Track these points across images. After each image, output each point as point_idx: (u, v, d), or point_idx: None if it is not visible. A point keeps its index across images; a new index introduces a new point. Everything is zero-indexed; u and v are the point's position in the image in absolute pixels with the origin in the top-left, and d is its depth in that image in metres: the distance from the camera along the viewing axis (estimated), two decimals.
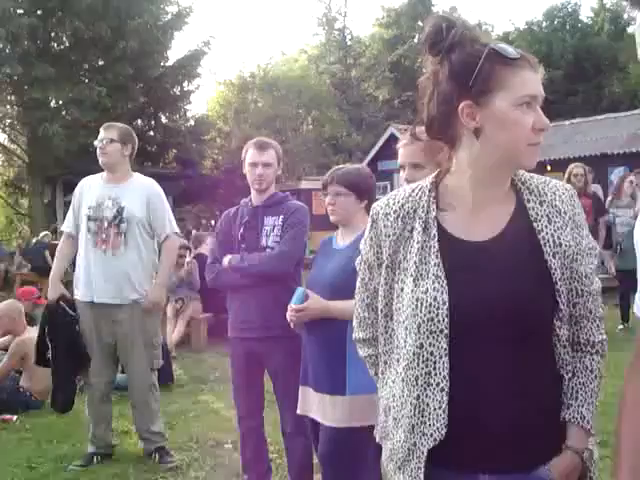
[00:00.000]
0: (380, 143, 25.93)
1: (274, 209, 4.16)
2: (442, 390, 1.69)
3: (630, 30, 39.89)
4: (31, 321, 7.33)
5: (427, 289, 1.69)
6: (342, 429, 3.30)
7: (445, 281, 1.69)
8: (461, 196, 1.77)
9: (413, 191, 1.82)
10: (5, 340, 6.91)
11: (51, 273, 5.23)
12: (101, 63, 22.00)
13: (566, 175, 8.76)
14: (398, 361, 1.79)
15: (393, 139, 24.61)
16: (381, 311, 1.85)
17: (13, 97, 22.51)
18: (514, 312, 1.69)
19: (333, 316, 3.31)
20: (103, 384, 5.08)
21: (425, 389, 1.71)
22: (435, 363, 1.69)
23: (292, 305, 3.41)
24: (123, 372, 5.33)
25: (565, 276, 1.74)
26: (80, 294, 5.02)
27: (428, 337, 1.69)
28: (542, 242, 1.74)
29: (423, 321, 1.69)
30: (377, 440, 2.99)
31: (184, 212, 23.70)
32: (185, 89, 25.16)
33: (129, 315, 4.94)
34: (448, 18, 1.73)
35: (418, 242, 1.74)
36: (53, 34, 21.71)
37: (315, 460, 4.01)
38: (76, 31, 20.10)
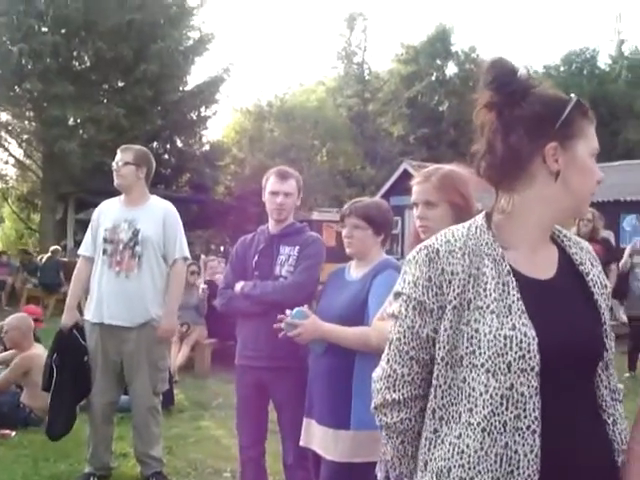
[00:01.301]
0: (393, 178, 25.97)
1: (291, 239, 4.14)
2: (534, 432, 1.60)
3: None
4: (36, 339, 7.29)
5: (514, 325, 1.62)
6: (344, 464, 3.26)
7: (528, 317, 1.65)
8: (522, 235, 1.75)
9: (469, 229, 1.76)
10: (7, 355, 6.88)
11: (67, 298, 5.22)
12: (121, 84, 22.27)
13: (576, 220, 8.74)
14: (471, 411, 1.65)
15: (406, 175, 24.63)
16: (442, 359, 1.69)
17: (32, 113, 22.76)
18: (590, 350, 1.72)
19: (329, 339, 3.30)
20: (106, 404, 5.04)
21: (514, 434, 1.61)
22: (525, 404, 1.61)
23: (289, 319, 3.40)
24: (126, 394, 5.29)
25: (607, 318, 1.78)
26: (90, 315, 5.00)
27: (519, 376, 1.60)
28: (591, 284, 1.78)
29: (514, 359, 1.60)
30: (379, 478, 2.98)
31: (194, 237, 23.76)
32: (202, 114, 25.40)
33: (137, 336, 4.92)
34: (510, 61, 1.76)
35: (493, 278, 1.67)
36: (75, 53, 22.02)
37: None
38: (98, 51, 20.37)
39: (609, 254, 8.99)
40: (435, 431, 1.71)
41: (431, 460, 1.71)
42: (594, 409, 1.75)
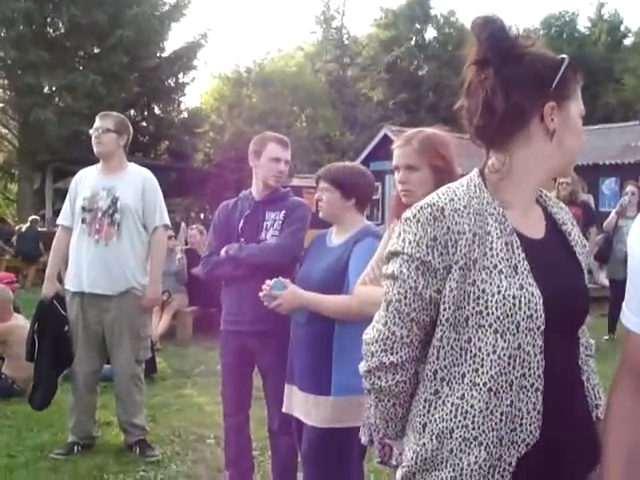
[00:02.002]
0: (373, 143, 25.98)
1: (276, 204, 4.12)
2: (537, 390, 1.62)
3: (627, 42, 40.21)
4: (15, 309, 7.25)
5: (521, 285, 1.62)
6: (325, 429, 3.28)
7: (532, 276, 1.66)
8: (519, 195, 1.75)
9: (469, 188, 1.73)
10: None
11: (47, 269, 5.19)
12: (96, 51, 21.98)
13: (555, 183, 8.75)
14: (477, 371, 1.64)
15: (386, 140, 24.65)
16: (447, 320, 1.66)
17: (6, 81, 22.45)
18: (582, 307, 1.77)
19: (309, 308, 3.30)
20: (88, 374, 5.03)
21: (519, 393, 1.62)
22: (530, 363, 1.62)
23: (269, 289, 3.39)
24: (109, 363, 5.28)
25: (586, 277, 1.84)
26: (70, 284, 4.98)
27: (527, 336, 1.61)
28: (573, 243, 1.82)
29: (523, 319, 1.60)
30: (362, 441, 3.00)
31: (174, 205, 23.64)
32: (180, 81, 25.16)
33: (118, 305, 4.90)
34: (501, 18, 1.75)
35: (498, 237, 1.65)
36: (49, 19, 21.68)
37: (299, 459, 4.00)
38: (72, 17, 20.06)
39: (589, 217, 9.02)
40: (436, 392, 1.70)
41: (430, 422, 1.69)
42: (579, 365, 1.79)
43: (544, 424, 1.63)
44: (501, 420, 1.61)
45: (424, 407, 1.71)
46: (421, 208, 1.69)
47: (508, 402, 1.61)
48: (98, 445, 5.18)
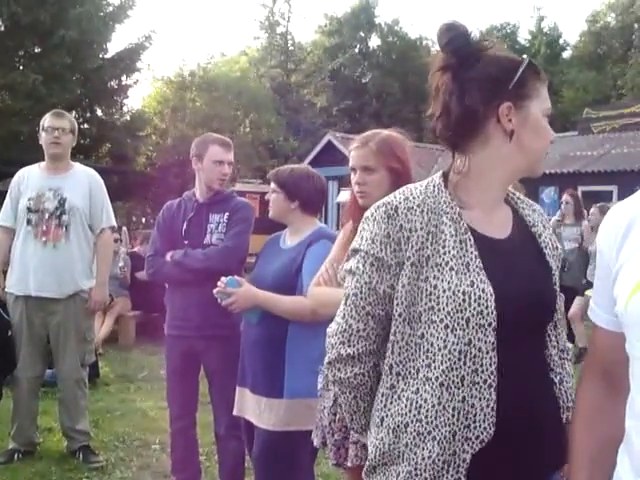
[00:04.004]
0: (317, 149, 26.06)
1: (220, 206, 4.09)
2: (490, 387, 1.64)
3: (565, 55, 41.23)
4: None
5: (473, 282, 1.64)
6: (277, 432, 3.27)
7: (485, 274, 1.67)
8: (479, 195, 1.78)
9: (426, 187, 1.78)
10: None
11: None
12: (38, 50, 21.50)
13: None
14: (430, 366, 1.67)
15: (330, 146, 24.79)
16: (400, 315, 1.71)
17: None
18: (543, 308, 1.77)
19: (264, 307, 3.28)
20: (32, 379, 4.91)
21: (471, 389, 1.64)
22: (482, 359, 1.64)
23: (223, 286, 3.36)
24: (50, 367, 5.17)
25: (557, 279, 1.84)
26: (14, 288, 4.85)
27: (477, 332, 1.63)
28: (543, 245, 1.84)
29: (472, 315, 1.63)
30: (315, 444, 2.99)
31: (115, 208, 23.28)
32: (123, 83, 24.74)
33: (65, 308, 4.81)
34: (463, 24, 1.79)
35: (452, 235, 1.69)
36: None
37: (247, 463, 3.97)
38: (13, 15, 19.58)
39: None
40: (392, 387, 1.74)
41: (387, 416, 1.73)
42: (544, 367, 1.80)
43: (501, 422, 1.64)
44: (453, 415, 1.64)
45: (381, 401, 1.76)
46: (377, 207, 1.76)
47: (460, 397, 1.64)
48: (40, 452, 5.06)
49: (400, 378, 1.72)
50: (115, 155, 25.63)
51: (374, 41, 43.61)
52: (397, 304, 1.70)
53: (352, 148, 2.80)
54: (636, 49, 37.56)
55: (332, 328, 1.83)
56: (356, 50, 42.19)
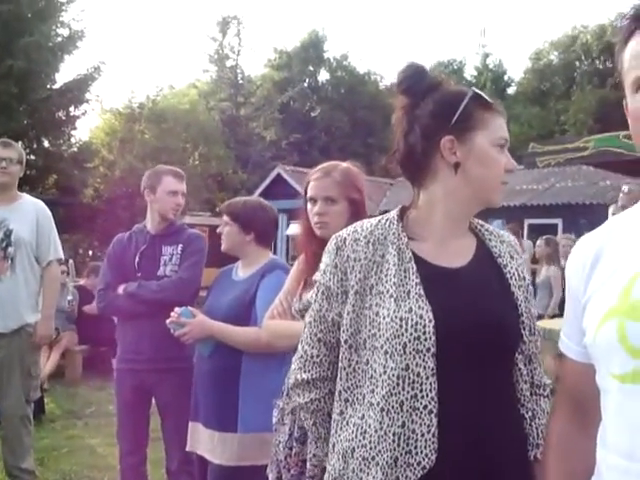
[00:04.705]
0: (267, 182, 26.13)
1: (172, 238, 4.05)
2: (430, 412, 1.63)
3: (510, 91, 42.21)
4: None
5: (411, 308, 1.66)
6: (231, 467, 3.23)
7: (427, 300, 1.67)
8: (430, 228, 1.81)
9: (379, 221, 1.82)
10: None
11: None
12: None
13: None
14: (373, 392, 1.68)
15: (279, 179, 24.88)
16: (345, 342, 1.75)
17: None
18: (498, 338, 1.74)
19: (218, 338, 3.26)
20: None
21: (411, 414, 1.63)
22: (422, 385, 1.64)
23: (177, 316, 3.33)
24: None
25: (526, 310, 1.81)
26: None
27: (415, 357, 1.63)
28: (508, 275, 1.83)
29: (409, 340, 1.63)
30: (270, 479, 2.95)
31: (62, 241, 22.93)
32: (71, 114, 24.52)
33: (9, 342, 4.66)
34: (420, 64, 1.86)
35: (394, 264, 1.72)
36: None
37: None
38: None
39: None
40: (341, 413, 1.77)
41: (337, 442, 1.76)
42: (506, 399, 1.78)
43: (445, 448, 1.63)
44: (394, 441, 1.64)
45: (334, 427, 1.79)
46: (332, 240, 1.84)
47: (400, 423, 1.64)
48: None
49: (348, 404, 1.76)
50: (62, 187, 25.29)
51: (323, 75, 44.00)
52: (343, 330, 1.76)
53: (313, 178, 2.76)
54: (578, 86, 38.58)
55: (295, 355, 1.91)
56: (305, 84, 42.47)
